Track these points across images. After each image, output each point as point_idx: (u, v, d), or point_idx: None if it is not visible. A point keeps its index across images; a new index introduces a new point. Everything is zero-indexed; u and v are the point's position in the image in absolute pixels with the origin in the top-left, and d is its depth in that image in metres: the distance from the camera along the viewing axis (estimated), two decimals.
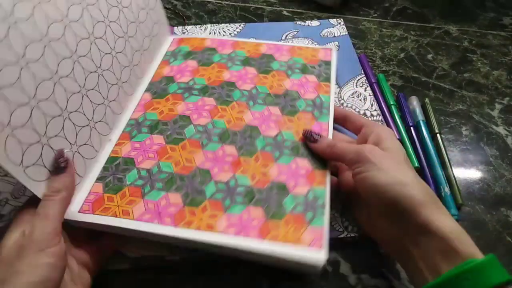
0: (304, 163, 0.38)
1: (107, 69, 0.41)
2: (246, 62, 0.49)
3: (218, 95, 0.45)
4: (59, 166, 0.33)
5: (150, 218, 0.35)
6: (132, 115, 0.44)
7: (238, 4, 0.65)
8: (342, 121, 0.43)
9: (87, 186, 0.37)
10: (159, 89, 0.46)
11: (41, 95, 0.33)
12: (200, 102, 0.44)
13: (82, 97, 0.38)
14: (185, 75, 0.48)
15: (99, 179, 0.38)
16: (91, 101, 0.39)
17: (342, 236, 0.40)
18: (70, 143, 0.36)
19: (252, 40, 0.53)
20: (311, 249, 0.32)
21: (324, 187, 0.37)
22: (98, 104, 0.40)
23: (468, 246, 0.29)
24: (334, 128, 0.43)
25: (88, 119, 0.38)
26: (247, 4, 0.65)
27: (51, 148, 0.34)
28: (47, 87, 0.34)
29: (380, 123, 0.49)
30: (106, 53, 0.42)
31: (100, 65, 0.40)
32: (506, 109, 0.54)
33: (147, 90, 0.47)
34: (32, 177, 0.31)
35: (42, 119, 0.33)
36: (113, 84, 0.42)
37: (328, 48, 0.52)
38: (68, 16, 0.37)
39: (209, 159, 0.39)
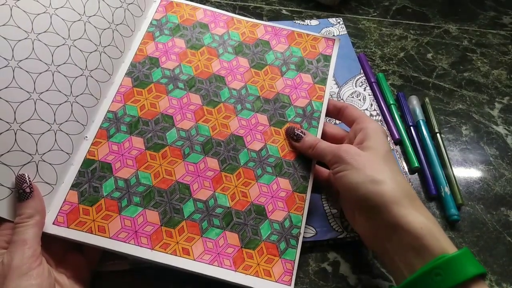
0: (285, 184, 0.39)
1: (63, 63, 0.37)
2: (239, 49, 0.46)
3: (205, 92, 0.43)
4: (24, 191, 0.32)
5: (126, 237, 0.35)
6: (111, 105, 0.41)
7: (237, 3, 0.65)
8: (337, 115, 0.43)
9: (61, 193, 0.36)
10: (142, 74, 0.43)
11: None
12: (185, 99, 0.42)
13: (35, 102, 0.34)
14: (171, 59, 0.44)
15: (74, 185, 0.36)
16: (47, 103, 0.35)
17: (342, 236, 0.40)
18: (29, 153, 0.33)
19: (249, 19, 0.49)
20: (279, 284, 0.34)
21: (301, 214, 0.38)
22: (59, 104, 0.36)
23: (440, 242, 0.30)
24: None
25: (48, 123, 0.35)
26: (246, 3, 0.65)
27: (4, 164, 0.32)
28: None
29: (379, 122, 0.49)
30: (58, 46, 0.37)
31: (52, 61, 0.36)
32: (506, 108, 0.54)
33: (128, 74, 0.43)
34: None
35: None
36: (76, 77, 0.38)
37: (331, 38, 0.48)
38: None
39: (190, 172, 0.38)
